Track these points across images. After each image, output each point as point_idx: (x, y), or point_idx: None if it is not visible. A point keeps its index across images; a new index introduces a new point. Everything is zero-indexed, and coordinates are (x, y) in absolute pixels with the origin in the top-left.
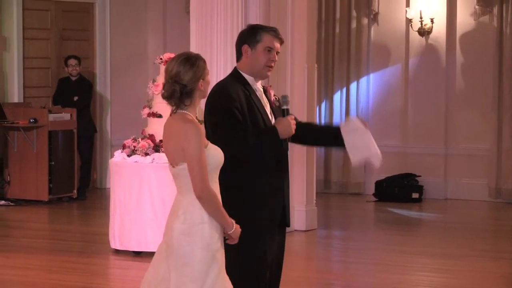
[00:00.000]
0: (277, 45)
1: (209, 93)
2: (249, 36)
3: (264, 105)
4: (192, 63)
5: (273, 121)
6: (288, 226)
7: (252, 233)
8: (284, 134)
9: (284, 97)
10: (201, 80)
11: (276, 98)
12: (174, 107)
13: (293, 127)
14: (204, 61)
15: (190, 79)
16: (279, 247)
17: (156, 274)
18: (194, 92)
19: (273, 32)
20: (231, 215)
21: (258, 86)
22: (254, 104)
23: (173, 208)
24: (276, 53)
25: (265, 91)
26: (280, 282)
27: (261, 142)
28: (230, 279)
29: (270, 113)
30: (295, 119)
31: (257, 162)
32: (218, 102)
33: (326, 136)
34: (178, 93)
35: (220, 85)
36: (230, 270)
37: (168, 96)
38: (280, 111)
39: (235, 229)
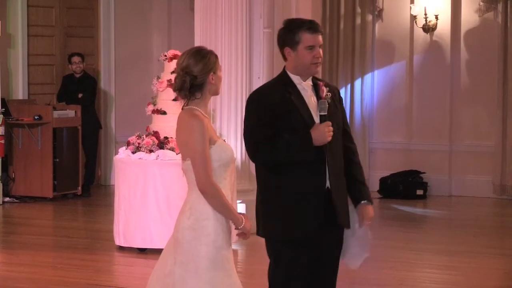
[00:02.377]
0: (318, 39)
1: (248, 97)
2: (288, 38)
3: (309, 104)
4: (202, 55)
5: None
6: (344, 226)
7: (286, 239)
8: (317, 141)
9: (322, 103)
10: (212, 73)
11: (328, 95)
12: (184, 100)
13: (329, 134)
14: (216, 57)
15: (200, 70)
16: (334, 247)
17: (163, 268)
18: (204, 85)
19: (310, 29)
20: (264, 220)
21: (306, 84)
22: (294, 105)
23: (183, 204)
24: (320, 46)
25: (317, 88)
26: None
27: (293, 149)
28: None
29: (317, 112)
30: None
31: (292, 166)
32: (252, 108)
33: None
34: (188, 84)
35: (258, 89)
36: (273, 275)
37: (179, 87)
38: (332, 109)
39: (244, 224)
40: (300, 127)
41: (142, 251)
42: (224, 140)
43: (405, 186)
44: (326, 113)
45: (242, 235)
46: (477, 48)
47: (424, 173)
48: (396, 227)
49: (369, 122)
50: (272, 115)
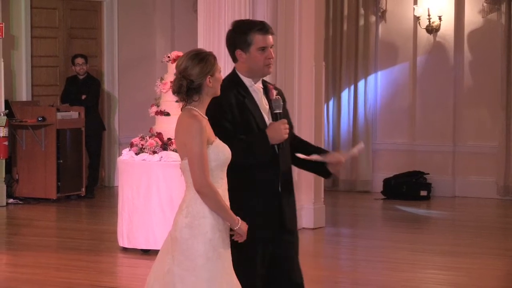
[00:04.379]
0: (269, 40)
1: None
2: (239, 40)
3: (261, 107)
4: (200, 58)
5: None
6: (288, 230)
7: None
8: (274, 139)
9: (276, 101)
10: (209, 76)
11: (277, 98)
12: (183, 103)
13: (285, 131)
14: (215, 58)
15: (197, 74)
16: (287, 251)
17: (162, 266)
18: (201, 88)
19: (261, 30)
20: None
21: (257, 87)
22: (247, 109)
23: (180, 203)
24: (271, 47)
25: (266, 91)
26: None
27: (251, 149)
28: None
29: (269, 114)
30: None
31: (247, 168)
32: (211, 113)
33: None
34: (185, 88)
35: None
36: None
37: (176, 90)
38: (284, 109)
39: (240, 225)
40: (254, 130)
41: (145, 252)
42: None
43: (409, 187)
44: (281, 111)
45: (238, 236)
46: (481, 49)
47: (427, 174)
48: (400, 228)
49: (373, 123)
50: (229, 117)
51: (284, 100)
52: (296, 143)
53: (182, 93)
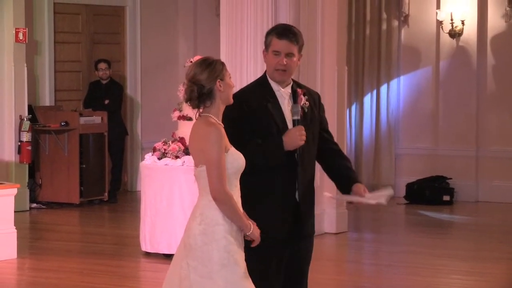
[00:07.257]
0: (283, 45)
1: None
2: (265, 40)
3: (285, 113)
4: (208, 64)
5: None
6: (305, 236)
7: (254, 247)
8: (289, 145)
9: (295, 107)
10: (219, 80)
11: (306, 104)
12: (196, 110)
13: (301, 138)
14: (223, 64)
15: (206, 78)
16: (302, 257)
17: (176, 273)
18: (213, 92)
19: (278, 34)
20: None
21: (284, 91)
22: (269, 113)
23: (193, 209)
24: (289, 54)
25: (295, 96)
26: (308, 286)
27: (263, 152)
28: None
29: (291, 120)
30: (327, 132)
31: (264, 173)
32: (229, 111)
33: (338, 177)
34: (196, 93)
35: (236, 93)
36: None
37: (188, 98)
38: (309, 117)
39: (253, 230)
40: (274, 135)
41: (168, 257)
42: None
43: (432, 191)
44: (298, 118)
45: (251, 241)
46: (504, 53)
47: (450, 178)
48: (422, 233)
49: (395, 127)
50: (247, 121)
51: (318, 105)
52: (326, 153)
53: (193, 99)
